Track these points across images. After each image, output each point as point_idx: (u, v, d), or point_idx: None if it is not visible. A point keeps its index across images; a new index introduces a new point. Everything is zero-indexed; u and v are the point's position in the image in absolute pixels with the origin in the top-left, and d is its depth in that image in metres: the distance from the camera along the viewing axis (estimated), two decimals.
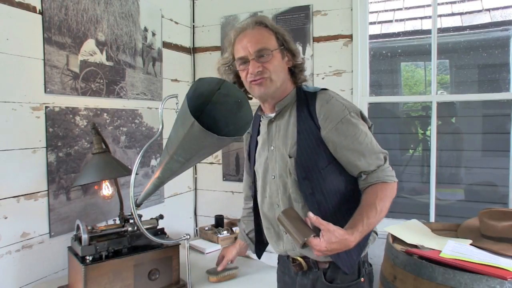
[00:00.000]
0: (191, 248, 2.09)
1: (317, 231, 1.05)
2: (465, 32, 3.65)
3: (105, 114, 1.90)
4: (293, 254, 1.33)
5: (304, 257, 1.31)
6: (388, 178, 1.21)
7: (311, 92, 1.29)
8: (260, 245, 1.56)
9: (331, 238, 1.03)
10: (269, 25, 1.28)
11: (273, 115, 1.32)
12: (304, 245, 1.06)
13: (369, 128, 1.28)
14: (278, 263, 1.52)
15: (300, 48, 2.28)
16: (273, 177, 1.32)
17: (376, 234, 1.36)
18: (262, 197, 1.38)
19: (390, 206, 1.20)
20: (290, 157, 1.25)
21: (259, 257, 1.58)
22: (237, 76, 1.33)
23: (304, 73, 1.35)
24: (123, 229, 1.54)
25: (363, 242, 1.25)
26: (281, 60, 1.27)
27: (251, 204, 1.53)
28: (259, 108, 1.40)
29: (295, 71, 1.32)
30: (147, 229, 1.39)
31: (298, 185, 1.24)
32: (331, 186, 1.23)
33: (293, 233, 1.06)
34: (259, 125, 1.41)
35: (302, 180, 1.23)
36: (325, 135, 1.22)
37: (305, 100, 1.28)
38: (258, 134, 1.42)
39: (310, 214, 1.06)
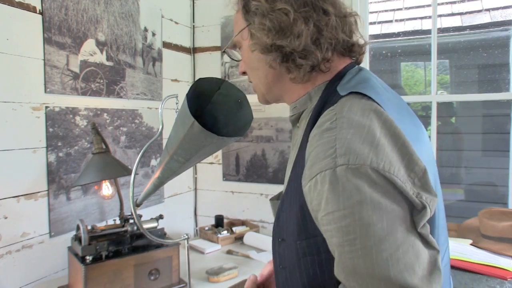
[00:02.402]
0: (191, 248, 2.09)
1: None
2: (465, 32, 3.66)
3: (105, 114, 1.91)
4: None
5: None
6: None
7: (339, 93, 0.68)
8: None
9: None
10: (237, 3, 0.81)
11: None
12: None
13: (418, 210, 0.57)
14: None
15: None
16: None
17: None
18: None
19: None
20: (276, 198, 0.87)
21: None
22: None
23: (297, 56, 0.72)
24: (123, 229, 1.55)
25: None
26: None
27: None
28: None
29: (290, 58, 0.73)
30: (147, 229, 1.39)
31: (272, 248, 0.79)
32: (308, 276, 0.68)
33: None
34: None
35: (277, 242, 0.76)
36: (304, 191, 0.64)
37: (320, 111, 0.69)
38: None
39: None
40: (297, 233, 0.68)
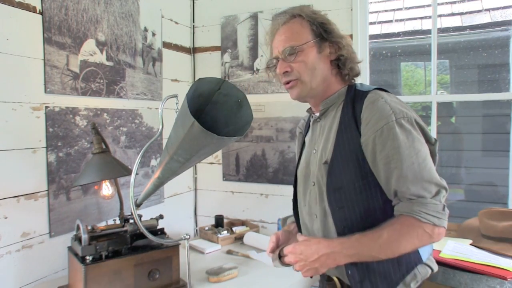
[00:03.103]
0: (191, 248, 2.09)
1: None
2: (465, 32, 3.66)
3: (105, 114, 1.91)
4: (327, 272, 1.18)
5: (339, 278, 1.16)
6: (423, 216, 0.95)
7: (362, 91, 1.11)
8: None
9: (299, 244, 1.03)
10: (305, 15, 1.12)
11: (318, 114, 1.20)
12: (280, 257, 1.11)
13: (432, 144, 1.05)
14: (319, 280, 1.37)
15: None
16: (313, 183, 1.17)
17: (429, 266, 1.11)
18: (302, 204, 1.24)
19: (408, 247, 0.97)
20: (325, 162, 1.10)
21: None
22: None
23: (351, 66, 1.14)
24: (123, 229, 1.54)
25: (396, 276, 1.05)
26: (317, 54, 1.11)
27: None
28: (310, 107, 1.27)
29: (339, 65, 1.14)
30: (147, 229, 1.39)
31: (327, 197, 1.10)
32: (365, 205, 1.04)
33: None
34: (309, 123, 1.29)
35: (332, 191, 1.08)
36: (363, 142, 1.03)
37: (353, 100, 1.10)
38: (306, 134, 1.29)
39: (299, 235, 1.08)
40: (355, 177, 1.04)
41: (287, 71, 1.12)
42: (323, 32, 1.11)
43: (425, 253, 1.11)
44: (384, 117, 1.00)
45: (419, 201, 0.96)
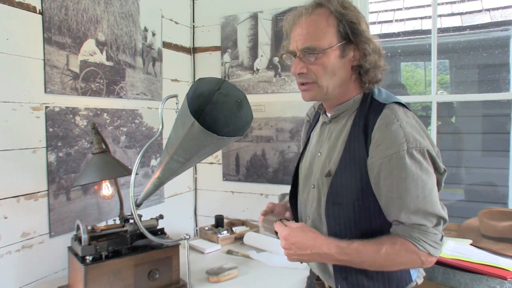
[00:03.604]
0: (191, 248, 2.09)
1: None
2: (465, 32, 3.66)
3: (105, 114, 1.90)
4: (316, 271, 1.19)
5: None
6: (422, 244, 0.95)
7: (379, 102, 1.03)
8: None
9: (296, 231, 1.01)
10: (333, 8, 1.00)
11: (329, 116, 1.13)
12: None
13: (440, 174, 1.01)
14: (308, 277, 1.38)
15: None
16: (313, 186, 1.13)
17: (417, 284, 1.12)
18: (301, 197, 1.22)
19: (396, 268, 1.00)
20: (326, 175, 1.06)
21: None
22: None
23: (373, 74, 1.05)
24: (123, 229, 1.55)
25: (393, 282, 1.05)
26: (339, 58, 1.02)
27: None
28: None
29: (361, 72, 1.05)
30: (147, 229, 1.39)
31: (326, 209, 1.07)
32: (362, 225, 1.02)
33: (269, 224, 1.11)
34: (317, 120, 1.23)
35: (331, 205, 1.05)
36: (369, 164, 0.99)
37: (368, 112, 1.03)
38: (313, 128, 1.24)
39: (287, 213, 1.06)
40: (355, 196, 1.01)
41: (303, 72, 1.04)
42: (350, 33, 1.00)
43: (415, 272, 1.10)
44: (396, 145, 0.94)
45: (420, 229, 0.96)
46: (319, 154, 1.14)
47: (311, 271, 1.30)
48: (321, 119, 1.18)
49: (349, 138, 1.04)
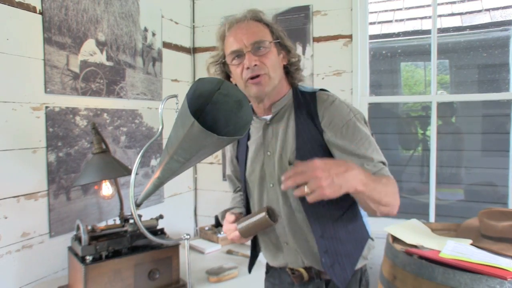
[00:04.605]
0: (191, 248, 2.09)
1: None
2: (465, 32, 3.66)
3: (105, 114, 1.91)
4: (295, 266, 1.25)
5: (306, 268, 1.23)
6: (390, 176, 1.11)
7: (309, 92, 1.20)
8: (252, 259, 1.41)
9: (326, 161, 0.92)
10: (263, 19, 1.17)
11: (268, 117, 1.22)
12: (270, 217, 1.07)
13: (371, 135, 1.18)
14: (266, 273, 1.42)
15: (300, 48, 2.28)
16: (271, 185, 1.22)
17: (372, 239, 1.29)
18: (258, 207, 1.27)
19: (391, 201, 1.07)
20: (290, 163, 1.15)
21: (249, 271, 1.41)
22: (228, 77, 1.22)
23: (300, 72, 1.24)
24: (123, 229, 1.55)
25: (356, 254, 1.20)
26: (277, 56, 1.17)
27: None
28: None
29: (290, 70, 1.21)
30: (147, 229, 1.39)
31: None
32: (331, 200, 1.05)
33: (253, 218, 1.10)
34: (248, 133, 1.30)
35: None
36: (328, 139, 1.13)
37: (304, 101, 1.18)
38: (248, 138, 1.29)
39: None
40: None
41: (256, 65, 1.12)
42: (279, 37, 1.17)
43: (368, 228, 1.28)
44: (346, 114, 1.12)
45: (384, 169, 1.11)
46: (268, 153, 1.22)
47: (273, 271, 1.36)
48: (257, 125, 1.26)
49: (297, 126, 1.16)
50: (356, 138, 1.11)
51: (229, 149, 1.42)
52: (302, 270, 1.24)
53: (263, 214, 1.09)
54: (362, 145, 1.10)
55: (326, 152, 1.13)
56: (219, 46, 1.20)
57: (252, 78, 1.13)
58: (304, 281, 1.24)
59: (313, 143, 1.14)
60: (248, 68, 1.11)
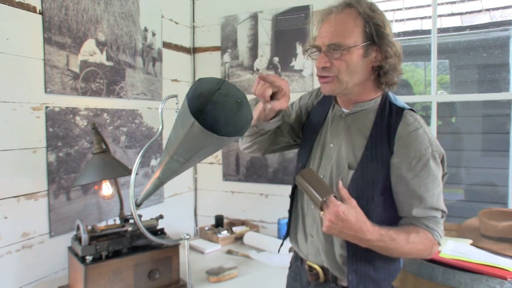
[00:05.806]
0: (191, 248, 2.09)
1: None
2: (465, 32, 3.65)
3: (105, 114, 1.91)
4: (313, 261, 1.21)
5: (323, 268, 1.19)
6: (436, 235, 1.07)
7: (397, 106, 1.13)
8: (284, 239, 1.39)
9: (351, 211, 0.96)
10: (362, 10, 1.05)
11: (346, 111, 1.17)
12: (322, 208, 0.98)
13: (443, 176, 1.12)
14: (290, 268, 1.38)
15: (300, 48, 2.28)
16: (322, 175, 1.17)
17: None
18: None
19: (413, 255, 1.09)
20: (349, 168, 1.11)
21: (278, 250, 1.47)
22: None
23: (391, 77, 1.11)
24: (123, 229, 1.54)
25: (386, 285, 1.15)
26: (361, 57, 1.07)
27: None
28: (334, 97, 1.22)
29: (379, 73, 1.11)
30: (147, 229, 1.39)
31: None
32: (375, 219, 1.04)
33: (314, 191, 0.99)
34: (328, 110, 1.25)
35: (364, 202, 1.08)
36: (394, 163, 1.07)
37: (389, 114, 1.11)
38: (324, 119, 1.24)
39: (340, 183, 1.01)
40: (376, 192, 1.08)
41: (326, 67, 1.08)
42: (375, 35, 1.06)
43: (402, 261, 1.23)
44: (424, 148, 1.05)
45: (434, 220, 1.08)
46: (331, 145, 1.18)
47: (297, 257, 1.30)
48: (334, 112, 1.22)
49: (371, 136, 1.10)
50: (423, 175, 1.05)
51: (302, 103, 1.34)
52: (320, 270, 1.20)
53: (329, 195, 0.99)
54: (424, 185, 1.06)
55: (386, 174, 1.08)
56: (315, 33, 1.14)
57: (322, 77, 1.11)
58: (320, 281, 1.20)
59: (378, 160, 1.08)
60: (317, 67, 1.10)
